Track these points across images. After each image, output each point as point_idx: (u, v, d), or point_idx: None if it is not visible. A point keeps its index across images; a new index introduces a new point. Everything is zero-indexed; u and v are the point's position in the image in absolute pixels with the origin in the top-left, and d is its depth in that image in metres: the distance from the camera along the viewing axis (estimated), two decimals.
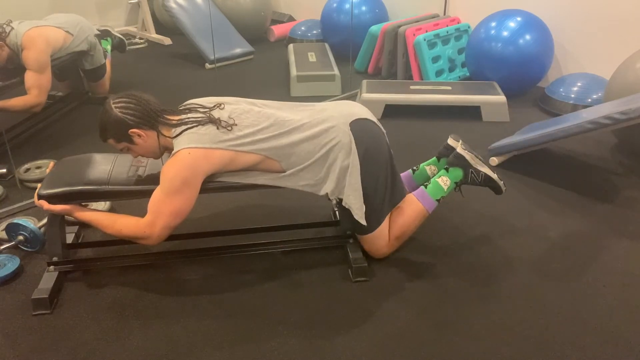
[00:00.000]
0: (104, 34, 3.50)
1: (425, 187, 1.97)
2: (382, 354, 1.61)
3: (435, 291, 1.86)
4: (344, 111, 1.85)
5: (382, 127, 1.93)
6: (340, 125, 1.79)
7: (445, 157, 2.09)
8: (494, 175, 1.99)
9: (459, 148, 1.99)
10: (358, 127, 1.81)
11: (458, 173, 1.98)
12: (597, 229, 2.18)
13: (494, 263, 1.99)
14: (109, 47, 3.55)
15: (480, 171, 1.97)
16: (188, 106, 1.82)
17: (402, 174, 2.15)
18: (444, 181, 1.96)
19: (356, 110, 1.88)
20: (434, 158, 2.15)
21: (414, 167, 2.18)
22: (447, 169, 1.99)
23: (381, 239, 1.92)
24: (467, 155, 1.97)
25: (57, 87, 3.38)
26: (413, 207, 1.94)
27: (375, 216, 1.87)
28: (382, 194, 1.85)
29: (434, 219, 2.22)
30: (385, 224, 1.90)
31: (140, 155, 1.82)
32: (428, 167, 2.15)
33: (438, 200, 1.96)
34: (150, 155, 1.82)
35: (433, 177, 2.01)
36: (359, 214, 1.80)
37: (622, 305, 1.79)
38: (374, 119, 1.91)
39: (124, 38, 3.72)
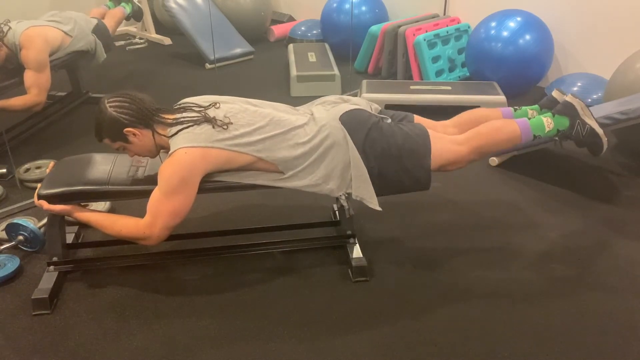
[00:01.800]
0: None
1: (529, 119, 1.90)
2: (382, 354, 1.61)
3: (435, 291, 1.86)
4: (332, 109, 1.85)
5: (374, 108, 1.91)
6: (332, 122, 1.79)
7: (547, 109, 2.00)
8: (600, 131, 1.88)
9: (569, 97, 1.90)
10: (348, 119, 1.80)
11: (565, 121, 1.89)
12: (597, 229, 2.18)
13: (493, 263, 1.99)
14: (128, 9, 3.65)
15: (586, 123, 1.88)
16: (183, 105, 1.82)
17: (503, 109, 2.08)
18: (548, 122, 1.88)
19: (343, 105, 1.87)
20: (537, 105, 2.06)
21: (516, 107, 2.09)
22: (553, 115, 1.90)
23: (451, 153, 1.81)
24: (578, 105, 1.88)
25: (57, 87, 3.38)
26: (510, 127, 1.85)
27: (419, 167, 1.79)
28: (406, 151, 1.78)
29: (433, 218, 2.22)
30: (442, 144, 1.81)
31: (136, 155, 1.82)
32: (530, 110, 2.07)
33: (535, 136, 1.88)
34: (146, 154, 1.82)
35: (539, 115, 1.92)
36: (373, 202, 1.78)
37: (622, 305, 1.79)
38: (363, 104, 1.90)
39: (141, 7, 3.79)
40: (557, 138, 1.92)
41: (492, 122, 1.90)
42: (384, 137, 1.80)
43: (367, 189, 1.79)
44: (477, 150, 1.85)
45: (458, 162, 1.85)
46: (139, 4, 3.76)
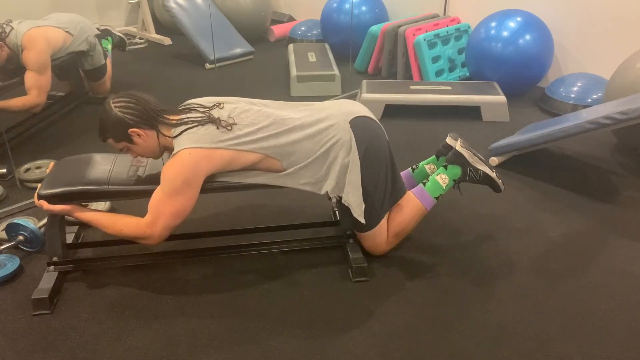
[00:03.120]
0: (104, 34, 3.50)
1: (424, 185, 1.97)
2: (382, 354, 1.61)
3: (435, 291, 1.86)
4: (344, 109, 1.86)
5: (381, 126, 1.94)
6: (341, 123, 1.79)
7: (444, 156, 2.09)
8: (493, 174, 1.99)
9: (458, 145, 1.99)
10: (358, 124, 1.81)
11: (456, 171, 1.98)
12: (597, 229, 2.18)
13: (493, 263, 1.99)
14: (109, 47, 3.55)
15: (478, 169, 1.98)
16: (187, 106, 1.82)
17: (401, 173, 2.15)
18: (442, 179, 1.96)
19: (356, 108, 1.88)
20: (433, 157, 2.16)
21: (414, 166, 2.19)
22: (445, 167, 1.99)
23: (380, 236, 1.92)
24: (466, 153, 1.97)
25: (57, 87, 3.38)
26: (412, 204, 1.94)
27: (375, 213, 1.87)
28: (383, 191, 1.86)
29: (433, 218, 2.22)
30: (384, 222, 1.91)
31: (139, 155, 1.82)
32: (427, 165, 2.16)
33: (437, 198, 1.96)
34: (150, 155, 1.82)
35: (432, 175, 2.01)
36: (358, 212, 1.81)
37: (622, 305, 1.79)
38: (374, 117, 1.92)
39: (124, 37, 3.73)
40: (456, 187, 2.01)
41: (399, 209, 1.95)
42: (383, 159, 1.84)
43: (357, 197, 1.80)
44: (394, 243, 1.99)
45: (374, 248, 1.97)
46: (120, 35, 3.70)
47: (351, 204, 1.80)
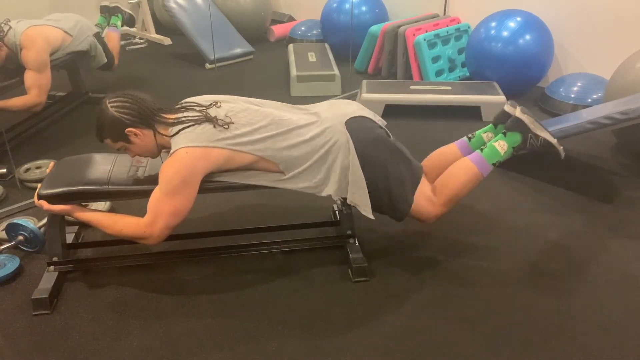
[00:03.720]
0: (114, 10, 3.56)
1: (481, 151, 1.93)
2: (382, 354, 1.61)
3: (435, 291, 1.86)
4: (339, 111, 1.85)
5: (379, 120, 1.92)
6: (336, 125, 1.79)
7: (501, 124, 2.03)
8: (554, 140, 1.91)
9: (518, 112, 1.93)
10: (353, 125, 1.81)
11: (516, 138, 1.91)
12: (597, 229, 2.18)
13: (493, 263, 1.99)
14: (119, 23, 3.60)
15: (539, 136, 1.90)
16: (184, 105, 1.82)
17: (456, 142, 2.12)
18: (501, 145, 1.91)
19: (350, 109, 1.87)
20: (491, 125, 2.09)
21: (470, 135, 2.12)
22: (504, 134, 1.93)
23: (423, 211, 1.89)
24: (527, 119, 1.91)
25: (58, 87, 3.38)
26: (467, 170, 1.90)
27: (401, 200, 1.84)
28: (397, 179, 1.83)
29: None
30: (420, 198, 1.87)
31: (137, 155, 1.82)
32: (484, 133, 2.09)
33: (494, 165, 1.90)
34: (148, 154, 1.82)
35: (489, 141, 1.96)
36: (367, 210, 1.80)
37: (622, 305, 1.79)
38: (370, 114, 1.90)
39: (133, 14, 3.75)
40: (515, 154, 1.96)
41: (451, 172, 1.92)
42: (385, 151, 1.82)
43: (362, 196, 1.80)
44: (446, 208, 1.92)
45: (425, 220, 1.92)
46: (130, 12, 3.74)
47: (357, 204, 1.80)
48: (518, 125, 1.92)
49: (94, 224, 1.78)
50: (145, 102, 1.75)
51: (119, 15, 3.61)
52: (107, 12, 3.56)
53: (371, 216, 1.81)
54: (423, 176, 1.92)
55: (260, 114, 1.79)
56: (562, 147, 1.93)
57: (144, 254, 1.97)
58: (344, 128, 1.79)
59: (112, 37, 3.47)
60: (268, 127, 1.76)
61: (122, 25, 3.63)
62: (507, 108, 2.02)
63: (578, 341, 1.65)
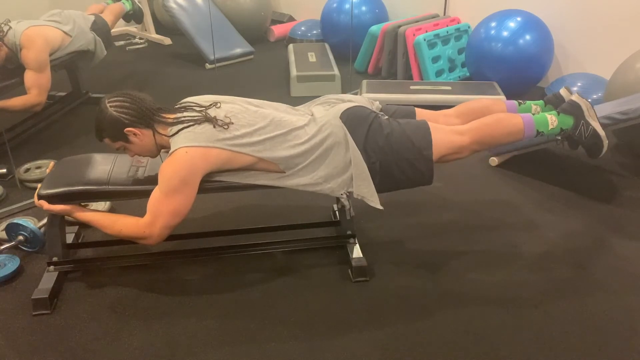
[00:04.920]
0: None
1: (533, 115, 1.89)
2: (382, 354, 1.61)
3: (435, 291, 1.86)
4: (333, 109, 1.85)
5: (374, 106, 1.91)
6: (333, 121, 1.79)
7: (552, 105, 2.00)
8: (602, 133, 1.89)
9: (575, 96, 1.90)
10: (348, 116, 1.80)
11: (569, 120, 1.88)
12: (597, 229, 2.18)
13: (493, 263, 1.99)
14: (128, 5, 3.64)
15: (590, 124, 1.87)
16: (184, 104, 1.82)
17: (507, 102, 2.08)
18: (552, 120, 1.87)
19: (343, 105, 1.87)
20: (542, 100, 2.06)
21: (520, 101, 2.08)
22: (558, 113, 1.90)
23: (452, 143, 1.80)
24: (584, 105, 1.88)
25: (58, 87, 3.38)
26: (513, 121, 1.85)
27: (421, 159, 1.78)
28: (405, 144, 1.78)
29: (433, 218, 2.22)
30: (442, 135, 1.80)
31: (136, 154, 1.82)
32: (535, 105, 2.06)
33: (538, 132, 1.86)
34: (147, 154, 1.82)
35: (544, 112, 1.92)
36: (374, 201, 1.77)
37: (622, 305, 1.79)
38: (363, 101, 1.89)
39: (142, 8, 3.76)
40: (559, 137, 1.91)
41: (496, 115, 1.89)
42: (383, 132, 1.79)
43: (368, 187, 1.78)
44: (479, 141, 1.83)
45: (459, 152, 1.83)
46: (140, 4, 3.75)
47: (364, 196, 1.78)
48: (574, 109, 1.88)
49: (94, 224, 1.78)
50: (144, 101, 1.75)
51: (130, 0, 3.63)
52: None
53: (379, 206, 1.77)
54: (432, 123, 1.84)
55: (260, 115, 1.78)
56: (607, 142, 1.89)
57: (144, 254, 1.97)
58: (340, 122, 1.78)
59: (114, 8, 3.50)
60: (267, 129, 1.76)
61: (128, 12, 3.64)
62: (563, 92, 1.99)
63: (577, 341, 1.65)
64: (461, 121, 1.96)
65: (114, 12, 3.47)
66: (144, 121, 1.73)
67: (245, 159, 1.74)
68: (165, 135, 1.74)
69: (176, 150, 1.67)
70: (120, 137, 1.74)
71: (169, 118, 1.76)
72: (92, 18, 3.25)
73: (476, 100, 2.07)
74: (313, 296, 1.84)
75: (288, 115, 1.83)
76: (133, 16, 3.74)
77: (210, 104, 1.79)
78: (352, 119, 1.80)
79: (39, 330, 1.70)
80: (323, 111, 1.85)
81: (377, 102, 1.96)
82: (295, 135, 1.77)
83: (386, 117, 1.88)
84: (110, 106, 1.72)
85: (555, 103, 2.00)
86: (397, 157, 1.78)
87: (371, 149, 1.77)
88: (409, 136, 1.79)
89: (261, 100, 1.91)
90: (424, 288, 1.87)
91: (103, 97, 1.76)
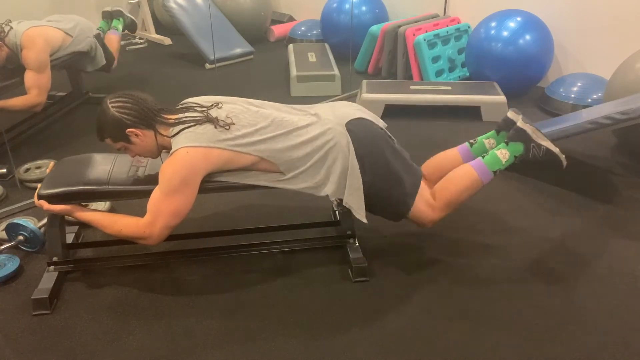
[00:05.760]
0: (116, 14, 3.57)
1: (483, 158, 1.93)
2: (382, 354, 1.61)
3: (435, 291, 1.86)
4: (340, 113, 1.85)
5: (379, 122, 1.92)
6: (337, 127, 1.79)
7: (504, 131, 2.03)
8: (556, 149, 1.92)
9: (520, 122, 1.93)
10: (354, 126, 1.81)
11: (518, 147, 1.92)
12: (597, 229, 2.18)
13: (493, 263, 1.99)
14: (120, 27, 3.61)
15: (541, 145, 1.91)
16: (185, 105, 1.82)
17: (458, 147, 2.11)
18: (502, 154, 1.91)
19: (351, 110, 1.88)
20: (493, 131, 2.09)
21: (471, 141, 2.12)
22: (507, 143, 1.93)
23: (423, 214, 1.89)
24: (528, 129, 1.91)
25: (58, 87, 3.38)
26: (468, 175, 1.90)
27: (400, 202, 1.85)
28: (397, 182, 1.83)
29: None
30: (420, 202, 1.87)
31: (137, 155, 1.82)
32: (487, 140, 2.09)
33: (494, 172, 1.90)
34: (148, 154, 1.82)
35: (492, 149, 1.96)
36: (360, 213, 1.80)
37: (622, 305, 1.79)
38: (370, 117, 1.90)
39: (135, 19, 3.75)
40: (517, 162, 1.96)
41: (451, 177, 1.92)
42: (385, 154, 1.83)
43: (358, 199, 1.80)
44: (445, 212, 1.93)
45: (424, 224, 1.93)
46: (132, 17, 3.74)
47: (352, 206, 1.80)
48: (520, 135, 1.92)
49: (94, 224, 1.78)
50: (146, 102, 1.75)
51: (121, 19, 3.61)
52: (109, 16, 3.57)
53: (364, 220, 1.81)
54: (423, 180, 1.93)
55: (261, 115, 1.79)
56: (564, 157, 1.93)
57: (144, 254, 1.97)
58: (345, 130, 1.79)
59: (112, 39, 3.48)
60: (268, 129, 1.76)
61: (123, 30, 3.64)
62: (511, 115, 2.02)
63: (578, 341, 1.65)
64: (430, 183, 2.00)
65: (111, 43, 3.45)
66: (146, 122, 1.74)
67: (247, 159, 1.75)
68: (167, 136, 1.74)
69: (177, 150, 1.68)
70: (121, 138, 1.75)
71: (170, 119, 1.76)
72: (97, 31, 3.26)
73: (432, 159, 2.12)
74: (313, 296, 1.84)
75: (290, 115, 1.83)
76: (127, 28, 3.73)
77: (212, 105, 1.80)
78: (358, 130, 1.81)
79: (39, 330, 1.70)
80: (331, 114, 1.85)
81: (382, 122, 1.96)
82: (297, 135, 1.77)
83: (396, 143, 1.91)
84: (112, 107, 1.72)
85: (507, 128, 2.03)
86: (385, 186, 1.82)
87: (368, 165, 1.79)
88: (403, 177, 1.85)
89: (262, 101, 1.91)
90: (424, 288, 1.87)
91: (105, 98, 1.76)
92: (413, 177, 1.89)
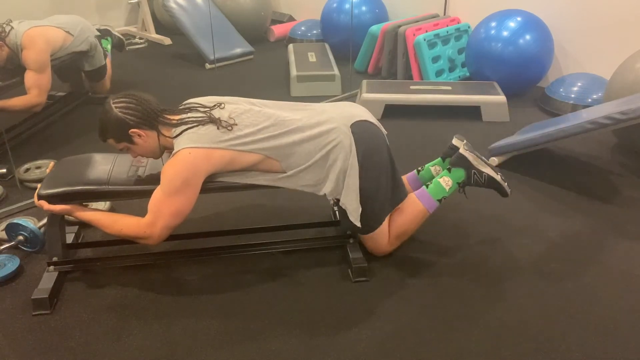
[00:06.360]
0: (104, 34, 3.51)
1: (427, 187, 1.97)
2: (382, 354, 1.61)
3: (436, 291, 1.86)
4: (345, 113, 1.85)
5: (382, 129, 1.93)
6: (341, 127, 1.79)
7: (450, 157, 2.08)
8: (498, 177, 1.97)
9: (462, 149, 1.98)
10: (359, 128, 1.81)
11: (460, 174, 1.96)
12: (597, 229, 2.18)
13: (493, 263, 1.99)
14: (109, 47, 3.57)
15: (483, 172, 1.96)
16: (188, 106, 1.82)
17: (406, 175, 2.15)
18: (445, 181, 1.96)
19: (356, 111, 1.88)
20: (439, 158, 2.15)
21: (419, 168, 2.18)
22: (449, 170, 1.98)
23: (382, 238, 1.92)
24: (470, 156, 1.96)
25: (58, 87, 3.38)
26: (413, 206, 1.94)
27: (375, 217, 1.87)
28: (383, 195, 1.86)
29: (434, 218, 2.21)
30: (385, 224, 1.91)
31: (140, 155, 1.82)
32: (433, 167, 2.15)
33: (439, 201, 1.95)
34: (150, 155, 1.82)
35: (436, 177, 2.00)
36: (355, 216, 1.81)
37: (622, 305, 1.79)
38: (375, 121, 1.91)
39: (122, 37, 3.74)
40: (461, 191, 2.00)
41: (400, 210, 1.95)
42: (383, 162, 1.84)
43: (354, 201, 1.80)
44: (397, 243, 1.98)
45: (375, 251, 1.98)
46: (120, 35, 3.72)
47: (348, 208, 1.81)
48: (461, 162, 1.97)
49: (94, 224, 1.78)
50: (149, 103, 1.75)
51: (108, 38, 3.58)
52: (98, 37, 3.50)
53: (358, 223, 1.82)
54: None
55: (263, 115, 1.79)
56: (507, 184, 1.98)
57: (144, 254, 1.97)
58: (349, 131, 1.79)
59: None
60: (271, 128, 1.76)
61: (111, 49, 3.61)
62: (455, 141, 2.08)
63: (578, 341, 1.65)
64: None
65: None
66: (149, 122, 1.74)
67: (249, 158, 1.75)
68: (169, 137, 1.74)
69: (179, 150, 1.68)
70: (124, 138, 1.75)
71: (173, 119, 1.76)
72: (96, 31, 3.25)
73: None
74: (313, 296, 1.84)
75: (292, 114, 1.83)
76: (115, 47, 3.70)
77: (214, 105, 1.80)
78: (362, 133, 1.81)
79: (39, 330, 1.70)
80: (336, 113, 1.85)
81: (383, 128, 1.97)
82: (299, 133, 1.77)
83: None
84: (116, 107, 1.72)
85: (452, 154, 2.07)
86: (374, 195, 1.84)
87: (367, 172, 1.80)
88: (390, 191, 1.88)
89: (265, 100, 1.92)
90: (425, 288, 1.87)
91: (108, 98, 1.76)
92: (397, 197, 1.92)
